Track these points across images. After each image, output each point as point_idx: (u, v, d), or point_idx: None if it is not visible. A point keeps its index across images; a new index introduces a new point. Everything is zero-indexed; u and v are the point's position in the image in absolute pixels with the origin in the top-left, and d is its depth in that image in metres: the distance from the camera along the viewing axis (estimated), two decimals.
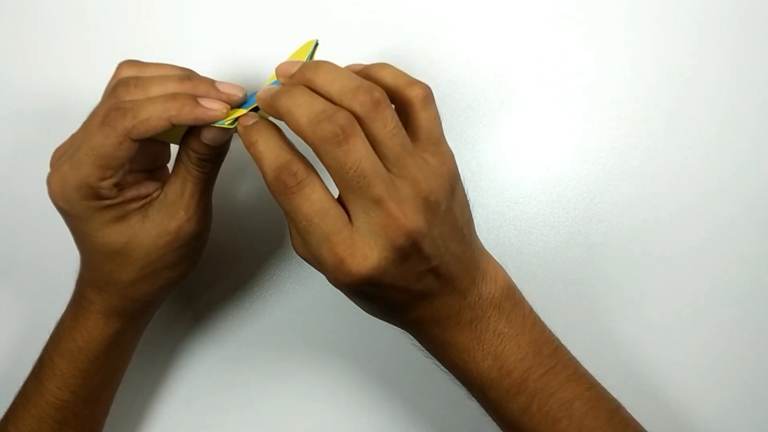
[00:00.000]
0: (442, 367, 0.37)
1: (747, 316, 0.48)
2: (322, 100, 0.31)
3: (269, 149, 0.32)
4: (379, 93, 0.31)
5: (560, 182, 0.50)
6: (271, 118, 0.34)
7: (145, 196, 0.37)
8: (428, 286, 0.33)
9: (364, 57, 0.50)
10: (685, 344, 0.48)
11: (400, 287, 0.32)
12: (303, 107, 0.31)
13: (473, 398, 0.37)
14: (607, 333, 0.48)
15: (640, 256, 0.49)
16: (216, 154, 0.37)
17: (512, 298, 0.36)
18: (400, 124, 0.32)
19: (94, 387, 0.41)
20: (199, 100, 0.34)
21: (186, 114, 0.34)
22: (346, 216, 0.31)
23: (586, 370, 0.37)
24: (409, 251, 0.31)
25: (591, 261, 0.49)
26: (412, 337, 0.37)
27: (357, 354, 0.50)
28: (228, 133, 0.36)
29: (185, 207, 0.37)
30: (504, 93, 0.51)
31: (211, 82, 0.36)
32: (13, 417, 0.41)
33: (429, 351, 0.37)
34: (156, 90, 0.35)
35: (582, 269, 0.49)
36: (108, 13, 0.53)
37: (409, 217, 0.31)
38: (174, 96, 0.34)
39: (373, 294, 0.33)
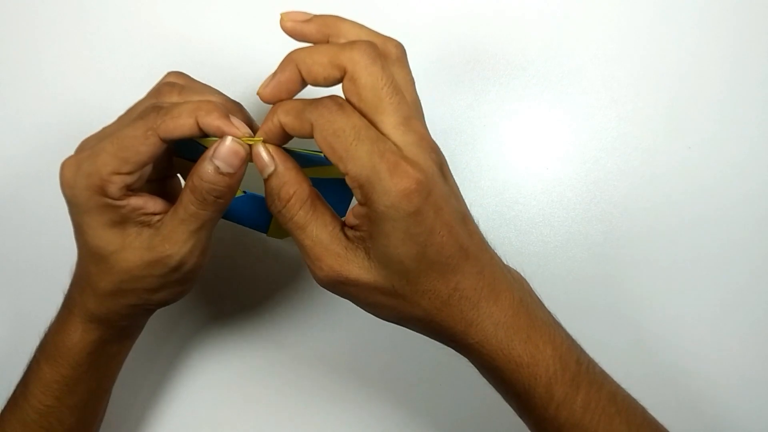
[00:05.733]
0: (495, 390, 0.35)
1: (747, 315, 0.48)
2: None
3: (296, 102, 0.33)
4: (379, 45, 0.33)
5: (560, 182, 0.50)
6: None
7: (150, 213, 0.36)
8: (470, 240, 0.33)
9: None
10: (686, 343, 0.48)
11: (448, 222, 0.32)
12: (323, 46, 0.32)
13: (529, 414, 0.35)
14: (607, 333, 0.48)
15: (640, 256, 0.49)
16: (221, 188, 0.34)
17: (533, 290, 0.36)
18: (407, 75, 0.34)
19: (80, 395, 0.40)
20: (229, 116, 0.34)
21: (212, 120, 0.33)
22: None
23: None
24: (444, 171, 0.32)
25: (591, 261, 0.49)
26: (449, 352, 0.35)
27: (362, 368, 0.50)
28: (240, 159, 0.34)
29: (170, 242, 0.35)
30: (504, 93, 0.51)
31: (249, 117, 0.37)
32: (2, 420, 0.40)
33: (489, 354, 0.34)
34: (196, 98, 0.35)
35: (582, 269, 0.49)
36: (114, 18, 0.53)
37: (430, 138, 0.32)
38: (208, 101, 0.34)
39: (427, 223, 0.31)
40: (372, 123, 0.31)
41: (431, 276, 0.32)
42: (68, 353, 0.39)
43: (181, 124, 0.33)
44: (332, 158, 0.31)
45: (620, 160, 0.50)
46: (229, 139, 0.33)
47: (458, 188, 0.35)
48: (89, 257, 0.37)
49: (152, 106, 0.34)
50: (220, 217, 0.37)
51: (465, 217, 0.34)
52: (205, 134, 0.34)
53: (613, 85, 0.50)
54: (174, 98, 0.35)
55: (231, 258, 0.51)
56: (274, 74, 0.33)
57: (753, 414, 0.48)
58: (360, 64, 0.31)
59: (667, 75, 0.50)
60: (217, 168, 0.34)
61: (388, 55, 0.33)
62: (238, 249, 0.51)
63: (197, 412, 0.51)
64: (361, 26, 0.34)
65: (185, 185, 0.35)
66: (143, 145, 0.33)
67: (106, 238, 0.35)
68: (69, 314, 0.39)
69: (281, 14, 0.34)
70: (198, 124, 0.33)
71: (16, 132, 0.52)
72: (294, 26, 0.33)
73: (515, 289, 0.34)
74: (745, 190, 0.49)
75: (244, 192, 0.38)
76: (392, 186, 0.30)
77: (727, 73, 0.50)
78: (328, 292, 0.35)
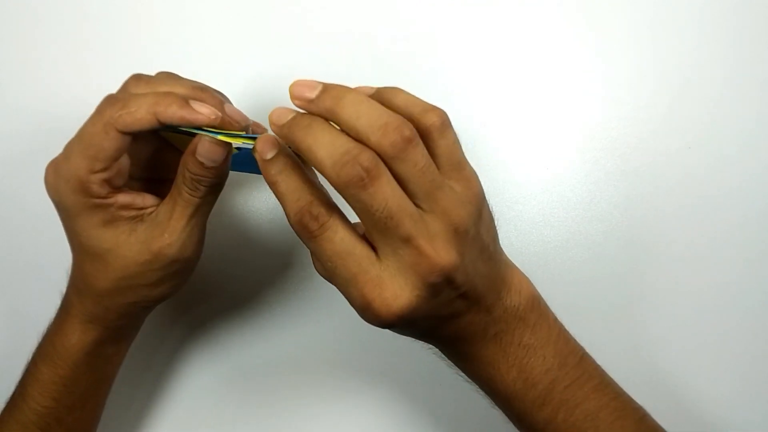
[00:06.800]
0: (465, 377, 0.37)
1: (747, 315, 0.48)
2: (344, 137, 0.30)
3: (290, 190, 0.31)
4: (409, 131, 0.30)
5: (560, 182, 0.50)
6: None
7: (140, 208, 0.36)
8: (456, 308, 0.33)
9: (368, 61, 0.51)
10: (686, 344, 0.48)
11: (430, 316, 0.32)
12: (325, 147, 0.29)
13: (497, 408, 0.37)
14: (608, 333, 0.48)
15: (640, 256, 0.49)
16: (210, 176, 0.35)
17: (537, 309, 0.35)
18: (430, 159, 0.30)
19: (78, 396, 0.40)
20: (190, 102, 0.33)
21: (172, 112, 0.33)
22: (373, 254, 0.31)
23: (611, 380, 0.37)
24: (442, 287, 0.30)
25: (591, 261, 0.49)
26: (432, 347, 0.37)
27: (361, 368, 0.50)
28: (222, 153, 0.35)
29: (170, 230, 0.36)
30: (504, 93, 0.51)
31: (221, 101, 0.36)
32: (0, 422, 0.40)
33: (453, 363, 0.37)
34: (164, 89, 0.35)
35: (582, 269, 0.49)
36: (110, 22, 0.53)
37: (442, 254, 0.30)
38: (166, 93, 0.33)
39: (402, 327, 0.32)
40: (371, 241, 0.31)
41: (410, 331, 0.35)
42: (66, 354, 0.39)
43: (139, 119, 0.33)
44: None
45: (620, 160, 0.50)
46: (206, 140, 0.34)
47: (479, 251, 0.32)
48: (84, 259, 0.37)
49: (107, 98, 0.34)
50: (215, 200, 0.37)
51: (462, 295, 0.32)
52: (168, 126, 0.34)
53: (613, 85, 0.50)
54: (142, 89, 0.35)
55: (228, 257, 0.51)
56: (282, 134, 0.32)
57: (753, 415, 0.48)
58: (345, 192, 0.29)
59: (667, 75, 0.50)
60: (201, 163, 0.34)
61: (384, 151, 0.29)
62: (235, 247, 0.51)
63: (194, 412, 0.51)
64: (361, 103, 0.30)
65: (177, 175, 0.36)
66: (105, 141, 0.33)
67: (100, 237, 0.35)
68: (67, 316, 0.39)
69: (290, 87, 0.32)
70: (158, 119, 0.33)
71: (15, 131, 0.53)
72: (301, 105, 0.32)
73: (493, 324, 0.34)
74: (745, 190, 0.49)
75: (238, 149, 0.38)
76: (365, 318, 0.31)
77: (727, 73, 0.50)
78: (327, 289, 0.36)
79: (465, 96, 0.51)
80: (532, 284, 0.36)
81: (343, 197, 0.30)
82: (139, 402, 0.51)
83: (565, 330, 0.36)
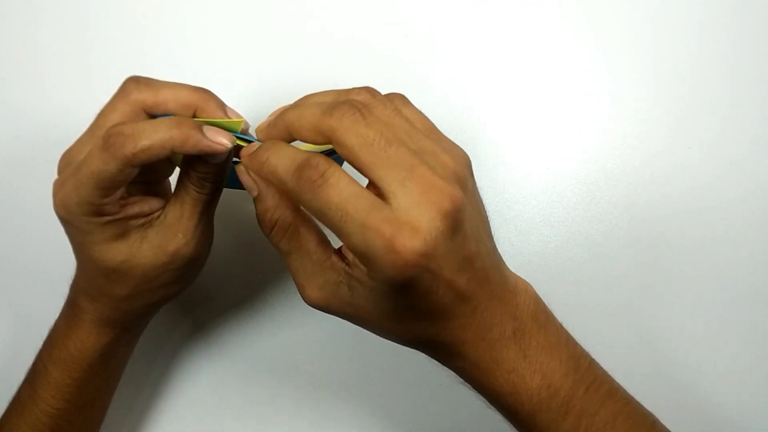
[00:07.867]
0: (486, 402, 0.35)
1: (747, 315, 0.48)
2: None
3: (282, 157, 0.32)
4: (371, 88, 0.33)
5: (560, 182, 0.50)
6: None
7: (148, 214, 0.36)
8: (469, 283, 0.31)
9: (367, 61, 0.51)
10: (686, 344, 0.48)
11: (447, 278, 0.30)
12: (309, 108, 0.32)
13: (516, 430, 0.35)
14: (608, 333, 0.48)
15: (640, 256, 0.49)
16: (215, 173, 0.36)
17: (544, 310, 0.34)
18: (399, 109, 0.32)
19: (89, 395, 0.40)
20: (204, 130, 0.33)
21: (191, 146, 0.33)
22: (380, 200, 0.29)
23: (619, 385, 0.36)
24: (455, 221, 0.29)
25: (591, 261, 0.49)
26: (439, 368, 0.35)
27: (362, 369, 0.50)
28: (226, 150, 0.35)
29: (183, 230, 0.36)
30: (504, 93, 0.51)
31: (221, 103, 0.36)
32: (7, 424, 0.40)
33: (473, 380, 0.34)
34: (166, 92, 0.35)
35: (582, 269, 0.49)
36: (110, 22, 0.53)
37: (447, 182, 0.29)
38: (178, 124, 0.33)
39: (423, 287, 0.30)
40: (375, 181, 0.30)
41: (421, 322, 0.32)
42: (80, 357, 0.39)
43: (155, 155, 0.32)
44: (329, 228, 0.30)
45: (620, 160, 0.50)
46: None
47: (479, 216, 0.32)
48: (96, 271, 0.37)
49: (115, 132, 0.32)
50: (220, 194, 0.38)
51: (471, 259, 0.31)
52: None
53: (613, 84, 0.50)
54: (143, 92, 0.35)
55: (228, 258, 0.51)
56: (269, 126, 0.34)
57: (755, 415, 0.48)
58: (340, 130, 0.30)
59: (667, 75, 0.50)
60: (205, 162, 0.35)
61: (367, 104, 0.31)
62: (235, 248, 0.51)
63: (196, 411, 0.51)
64: (326, 93, 0.35)
65: (181, 175, 0.36)
66: (120, 175, 0.33)
67: (112, 251, 0.35)
68: (78, 320, 0.39)
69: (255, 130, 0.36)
70: (173, 152, 0.33)
71: (17, 131, 0.53)
72: (263, 133, 0.35)
73: (510, 319, 0.33)
74: (745, 190, 0.49)
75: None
76: (389, 263, 0.29)
77: (727, 73, 0.50)
78: None
79: (465, 96, 0.51)
80: (532, 286, 0.35)
81: (338, 137, 0.30)
82: (141, 401, 0.51)
83: (571, 335, 0.35)
